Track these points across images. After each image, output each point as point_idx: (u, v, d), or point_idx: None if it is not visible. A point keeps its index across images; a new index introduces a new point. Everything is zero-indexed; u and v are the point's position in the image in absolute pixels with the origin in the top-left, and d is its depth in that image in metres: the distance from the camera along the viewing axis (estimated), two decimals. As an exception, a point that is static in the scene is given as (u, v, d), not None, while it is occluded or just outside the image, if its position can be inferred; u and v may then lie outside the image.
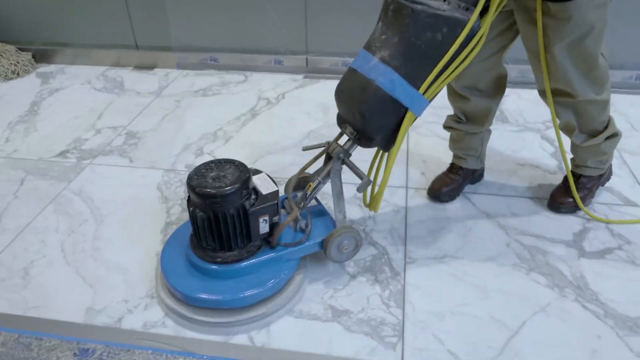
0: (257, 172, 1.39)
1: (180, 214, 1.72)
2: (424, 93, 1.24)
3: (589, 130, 1.55)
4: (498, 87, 1.60)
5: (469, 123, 1.67)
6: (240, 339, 1.29)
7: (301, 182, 1.52)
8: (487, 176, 1.88)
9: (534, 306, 1.37)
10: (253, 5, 2.64)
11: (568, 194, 1.66)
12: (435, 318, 1.34)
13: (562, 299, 1.39)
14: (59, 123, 2.34)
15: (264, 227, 1.33)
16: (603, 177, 1.72)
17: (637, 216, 1.68)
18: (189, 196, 1.31)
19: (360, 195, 1.74)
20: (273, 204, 1.31)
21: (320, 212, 1.50)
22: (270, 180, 1.36)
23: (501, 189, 1.82)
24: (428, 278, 1.46)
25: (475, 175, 1.82)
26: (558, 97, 1.46)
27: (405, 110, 1.25)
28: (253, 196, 1.30)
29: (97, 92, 2.64)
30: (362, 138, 1.33)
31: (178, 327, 1.32)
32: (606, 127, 1.56)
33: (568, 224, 1.65)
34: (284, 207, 1.47)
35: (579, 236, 1.60)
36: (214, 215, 1.25)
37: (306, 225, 1.41)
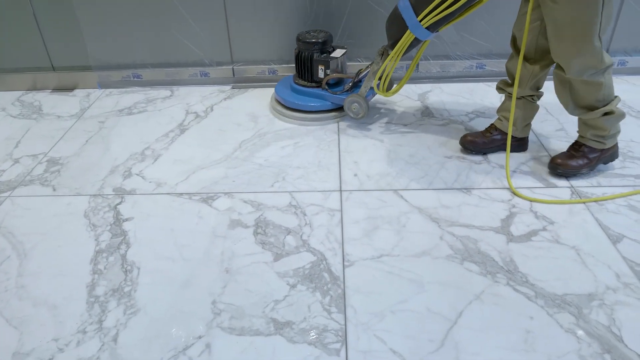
0: (342, 47, 2.33)
1: (110, 240, 1.66)
2: (421, 20, 1.75)
3: (584, 105, 1.69)
4: (539, 56, 1.77)
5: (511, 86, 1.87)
6: (181, 364, 1.26)
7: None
8: (416, 170, 1.93)
9: (469, 294, 1.41)
10: (173, 18, 2.58)
11: (569, 158, 1.79)
12: (376, 318, 1.35)
13: (495, 285, 1.44)
14: (-28, 156, 2.20)
15: (320, 73, 2.27)
16: (607, 153, 1.80)
17: (558, 197, 1.77)
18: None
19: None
20: (329, 60, 2.21)
21: None
22: (343, 54, 2.28)
23: (431, 183, 1.86)
24: (367, 279, 1.48)
25: (515, 145, 1.97)
26: (558, 70, 1.68)
27: (407, 28, 1.81)
28: (324, 54, 2.25)
29: (13, 119, 2.50)
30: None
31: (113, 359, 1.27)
32: (605, 105, 1.66)
33: (495, 210, 1.71)
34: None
35: (506, 222, 1.66)
36: (299, 53, 2.28)
37: (348, 89, 2.26)
